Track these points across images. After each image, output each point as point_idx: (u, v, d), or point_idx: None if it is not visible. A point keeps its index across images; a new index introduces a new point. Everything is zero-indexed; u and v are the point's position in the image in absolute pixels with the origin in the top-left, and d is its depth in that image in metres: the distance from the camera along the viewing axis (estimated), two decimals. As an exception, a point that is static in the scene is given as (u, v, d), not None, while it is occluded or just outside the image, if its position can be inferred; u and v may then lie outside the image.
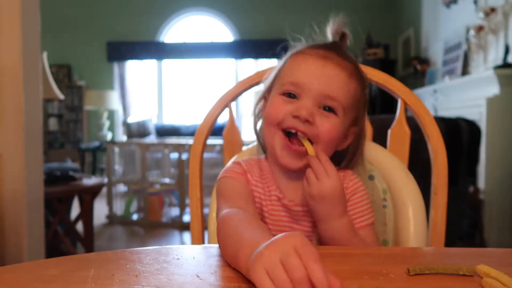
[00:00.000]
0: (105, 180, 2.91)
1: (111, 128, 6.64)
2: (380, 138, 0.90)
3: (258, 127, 0.78)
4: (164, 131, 6.17)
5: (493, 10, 3.21)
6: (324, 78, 0.66)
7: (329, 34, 0.73)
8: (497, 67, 2.97)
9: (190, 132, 5.93)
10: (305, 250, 0.39)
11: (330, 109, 0.66)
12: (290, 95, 0.67)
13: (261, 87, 0.88)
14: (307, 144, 0.65)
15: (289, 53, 0.73)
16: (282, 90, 0.68)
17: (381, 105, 4.81)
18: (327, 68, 0.67)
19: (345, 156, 0.75)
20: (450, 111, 3.68)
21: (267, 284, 0.38)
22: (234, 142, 0.91)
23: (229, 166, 0.73)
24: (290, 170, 0.69)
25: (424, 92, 4.36)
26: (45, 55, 3.04)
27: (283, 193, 0.70)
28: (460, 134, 2.13)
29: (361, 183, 0.73)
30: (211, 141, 3.58)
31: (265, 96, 0.75)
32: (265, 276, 0.38)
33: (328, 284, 0.37)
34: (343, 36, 0.73)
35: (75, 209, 2.68)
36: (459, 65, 3.98)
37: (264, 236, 0.48)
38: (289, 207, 0.69)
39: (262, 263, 0.39)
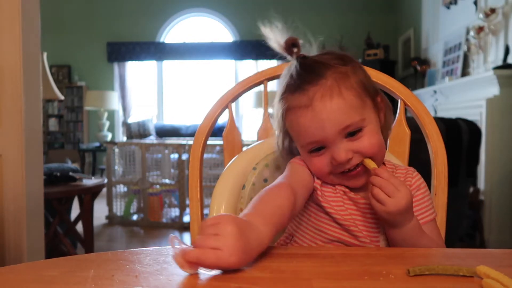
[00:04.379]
0: (105, 180, 2.90)
1: (111, 129, 6.64)
2: (380, 139, 0.90)
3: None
4: (164, 132, 6.17)
5: (493, 11, 3.21)
6: (328, 120, 0.64)
7: (279, 46, 0.71)
8: (497, 68, 2.97)
9: (190, 133, 5.93)
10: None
11: (354, 133, 0.66)
12: (319, 149, 0.68)
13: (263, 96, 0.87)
14: (365, 162, 0.66)
15: (279, 103, 0.71)
16: (308, 149, 0.69)
17: (381, 106, 4.80)
18: (322, 110, 0.64)
19: (388, 128, 0.75)
20: (450, 112, 3.68)
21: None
22: (234, 143, 0.91)
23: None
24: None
25: (424, 93, 4.36)
26: (45, 55, 3.04)
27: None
28: (460, 135, 2.13)
29: (422, 180, 0.74)
30: (211, 141, 3.57)
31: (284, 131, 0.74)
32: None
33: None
34: (294, 45, 0.70)
35: (75, 210, 2.68)
36: (459, 65, 3.98)
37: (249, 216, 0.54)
38: (356, 200, 0.70)
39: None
